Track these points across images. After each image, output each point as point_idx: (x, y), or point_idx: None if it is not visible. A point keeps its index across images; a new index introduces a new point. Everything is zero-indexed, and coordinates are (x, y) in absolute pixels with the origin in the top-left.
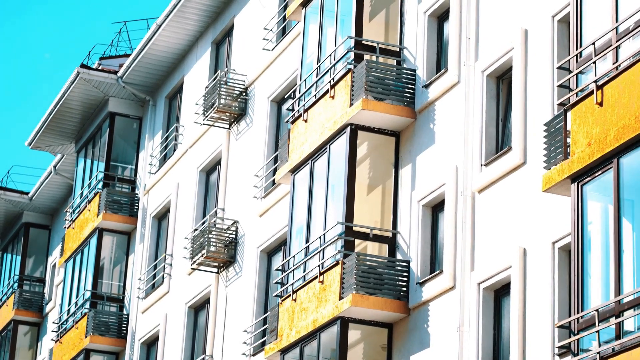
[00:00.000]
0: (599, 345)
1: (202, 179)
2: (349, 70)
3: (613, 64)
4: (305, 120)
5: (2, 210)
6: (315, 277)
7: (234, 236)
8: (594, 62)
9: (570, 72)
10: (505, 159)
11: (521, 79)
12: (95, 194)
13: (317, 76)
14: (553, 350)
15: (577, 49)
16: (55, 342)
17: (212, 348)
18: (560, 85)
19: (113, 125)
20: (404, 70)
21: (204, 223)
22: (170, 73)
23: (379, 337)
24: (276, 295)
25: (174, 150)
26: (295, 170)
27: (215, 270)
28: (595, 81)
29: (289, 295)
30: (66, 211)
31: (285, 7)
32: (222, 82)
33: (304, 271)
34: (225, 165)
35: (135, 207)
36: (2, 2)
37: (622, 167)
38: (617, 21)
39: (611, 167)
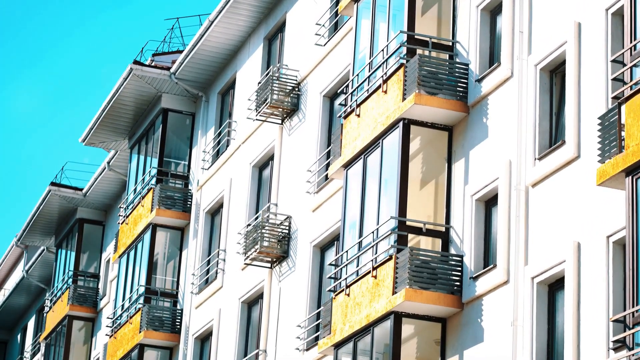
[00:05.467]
0: None
1: (255, 175)
2: (402, 64)
3: None
4: (358, 115)
5: (56, 207)
6: (369, 272)
7: (287, 231)
8: None
9: (624, 65)
10: (558, 152)
11: (575, 73)
12: (148, 190)
13: (369, 71)
14: (608, 345)
15: (631, 42)
16: (110, 337)
17: (265, 343)
18: (614, 79)
19: (166, 121)
20: (457, 65)
21: (256, 218)
22: (222, 69)
23: (432, 331)
24: (329, 290)
25: (227, 145)
26: (348, 165)
27: (269, 265)
28: None
29: (342, 290)
30: (120, 207)
31: (337, 2)
32: (274, 78)
33: (357, 266)
34: (278, 161)
35: (189, 202)
36: (51, 2)
37: None
38: None
39: None
